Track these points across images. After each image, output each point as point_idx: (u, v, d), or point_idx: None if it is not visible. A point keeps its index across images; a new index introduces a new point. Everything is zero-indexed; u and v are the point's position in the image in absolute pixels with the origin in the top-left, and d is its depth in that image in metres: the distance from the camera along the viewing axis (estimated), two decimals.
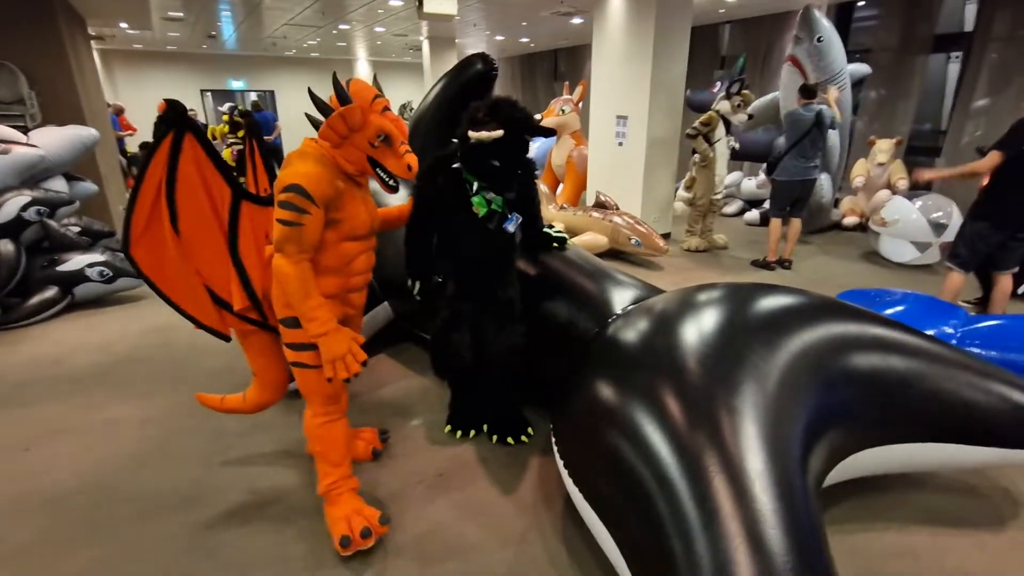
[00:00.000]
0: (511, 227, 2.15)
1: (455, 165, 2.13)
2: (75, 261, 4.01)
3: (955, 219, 4.93)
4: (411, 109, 10.69)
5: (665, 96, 5.68)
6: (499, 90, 13.82)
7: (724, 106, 5.31)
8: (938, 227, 4.92)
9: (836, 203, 6.87)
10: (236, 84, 13.68)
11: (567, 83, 7.26)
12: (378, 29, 9.33)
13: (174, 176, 1.77)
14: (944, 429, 1.83)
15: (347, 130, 1.68)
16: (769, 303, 1.98)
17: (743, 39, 9.25)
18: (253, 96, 14.02)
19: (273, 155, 9.80)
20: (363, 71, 14.35)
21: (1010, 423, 1.81)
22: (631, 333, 1.97)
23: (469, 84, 3.00)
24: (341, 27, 9.15)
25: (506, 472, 2.23)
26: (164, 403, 2.78)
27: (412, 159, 1.74)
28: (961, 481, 2.21)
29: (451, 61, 10.74)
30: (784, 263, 5.14)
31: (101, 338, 3.61)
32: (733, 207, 7.64)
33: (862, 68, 6.85)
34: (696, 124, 5.33)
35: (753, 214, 7.10)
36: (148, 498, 2.12)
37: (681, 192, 5.86)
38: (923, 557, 1.84)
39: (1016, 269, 3.36)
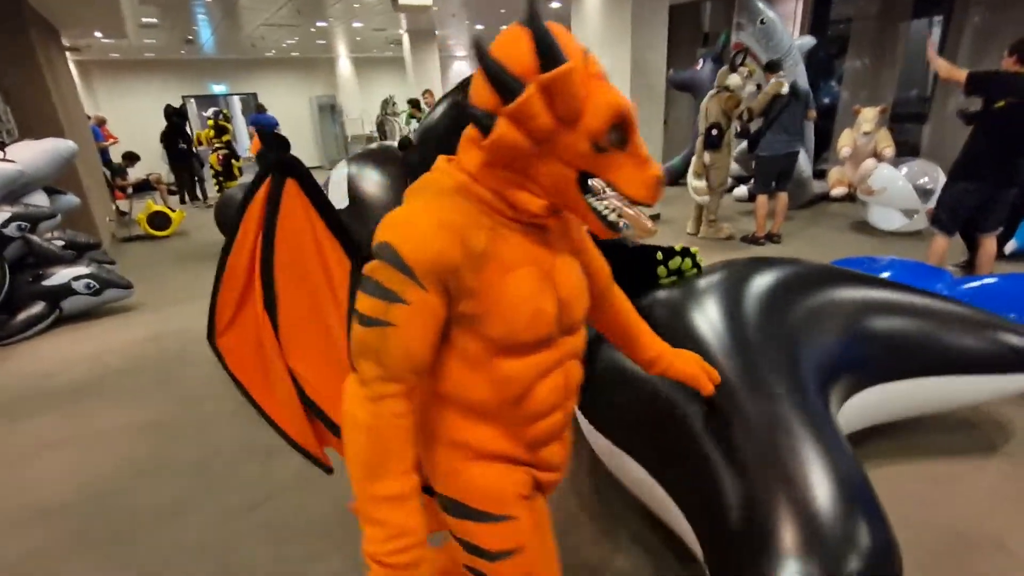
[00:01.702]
0: None
1: None
2: (61, 275, 3.99)
3: (941, 183, 4.93)
4: (393, 104, 10.58)
5: (646, 78, 5.64)
6: None
7: (735, 80, 4.94)
8: (925, 193, 4.91)
9: (821, 175, 6.87)
10: (218, 88, 13.55)
11: None
12: (357, 25, 9.24)
13: (272, 241, 1.20)
14: (946, 362, 1.96)
15: (553, 121, 0.78)
16: (775, 273, 2.07)
17: (725, 15, 9.18)
18: (234, 99, 13.92)
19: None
20: (345, 69, 14.22)
21: (1004, 352, 1.97)
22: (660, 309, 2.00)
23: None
24: (319, 24, 9.06)
25: None
26: (157, 413, 2.78)
27: (657, 170, 0.84)
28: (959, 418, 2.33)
29: (433, 53, 10.66)
30: (774, 237, 5.14)
31: (92, 350, 3.60)
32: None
33: (808, 40, 6.90)
34: (742, 111, 4.93)
35: (742, 190, 7.09)
36: (144, 509, 2.12)
37: (693, 181, 5.36)
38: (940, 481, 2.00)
39: (1000, 230, 3.36)
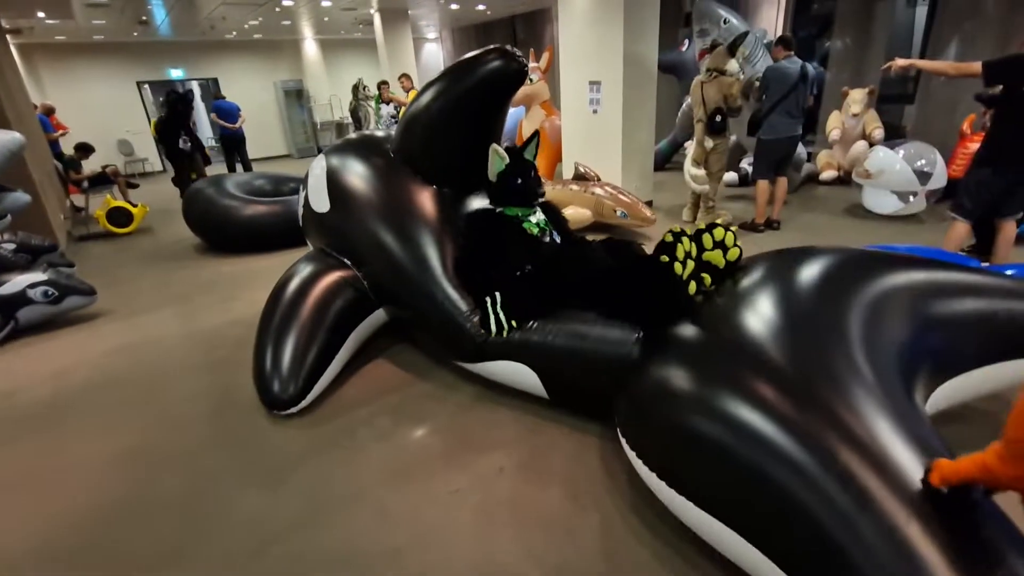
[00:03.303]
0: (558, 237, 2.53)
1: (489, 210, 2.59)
2: (14, 283, 3.59)
3: (939, 166, 4.89)
4: (364, 88, 10.10)
5: (639, 57, 5.43)
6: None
7: (733, 65, 4.80)
8: (923, 175, 4.86)
9: (809, 158, 6.82)
10: (175, 73, 12.76)
11: (532, 50, 6.92)
12: (325, 4, 8.73)
13: None
14: (1005, 348, 1.88)
15: None
16: (820, 265, 1.95)
17: None
18: (193, 84, 13.15)
19: (237, 146, 9.19)
20: (311, 51, 13.57)
21: None
22: (693, 329, 1.84)
23: (492, 85, 2.60)
24: (285, 3, 8.52)
25: (535, 480, 2.04)
26: (135, 438, 2.48)
27: None
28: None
29: (406, 34, 10.20)
30: (773, 224, 5.04)
31: (56, 366, 3.25)
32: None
33: (760, 30, 6.94)
34: (734, 104, 4.76)
35: (731, 175, 6.98)
36: (124, 564, 1.80)
37: (692, 169, 5.11)
38: None
39: (1020, 214, 3.30)
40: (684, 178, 5.21)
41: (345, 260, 2.96)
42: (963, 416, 2.17)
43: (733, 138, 7.05)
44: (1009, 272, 2.73)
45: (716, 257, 2.01)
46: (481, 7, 10.48)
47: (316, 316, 2.69)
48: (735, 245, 2.03)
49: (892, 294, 1.82)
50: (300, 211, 3.44)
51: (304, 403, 2.52)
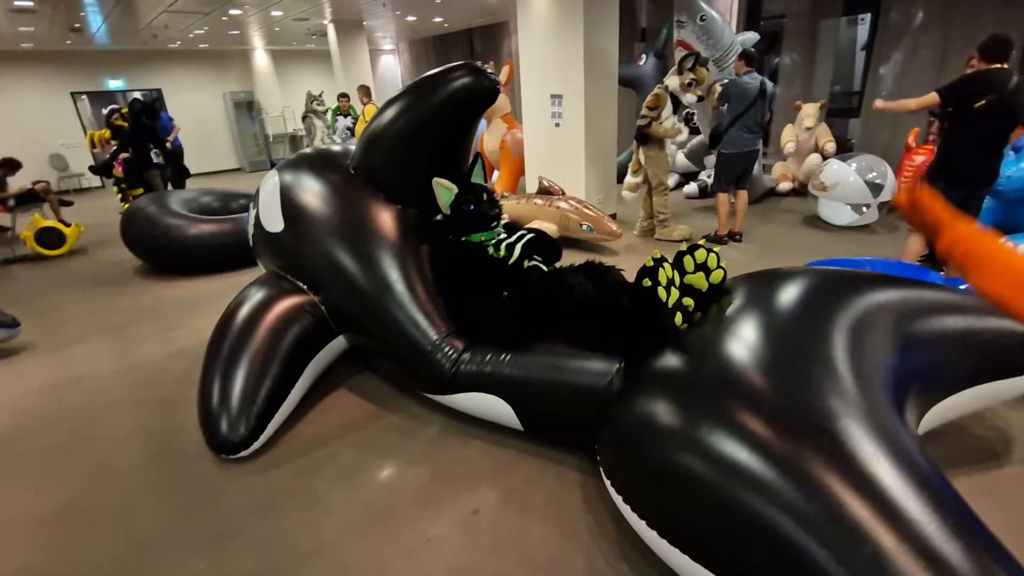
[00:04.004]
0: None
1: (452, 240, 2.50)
2: None
3: (889, 178, 5.06)
4: (315, 99, 9.74)
5: (600, 70, 5.42)
6: (414, 74, 13.04)
7: (673, 82, 4.84)
8: (875, 187, 5.02)
9: (765, 170, 6.99)
10: (115, 84, 12.07)
11: (491, 63, 6.85)
12: (275, 13, 8.43)
13: None
14: (991, 368, 1.86)
15: None
16: (800, 289, 1.89)
17: (662, 10, 9.18)
18: (138, 95, 12.48)
19: (174, 158, 8.67)
20: (262, 62, 13.13)
21: None
22: (676, 359, 1.74)
23: (462, 103, 2.46)
24: (232, 12, 8.17)
25: (513, 523, 1.89)
26: (62, 494, 2.19)
27: None
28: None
29: (361, 46, 9.98)
30: (735, 236, 5.08)
31: None
32: (670, 181, 7.58)
33: (751, 36, 6.92)
34: (644, 111, 4.88)
35: (692, 187, 7.07)
36: None
37: (629, 179, 5.32)
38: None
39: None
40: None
41: (301, 284, 2.75)
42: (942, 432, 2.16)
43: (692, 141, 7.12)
44: (962, 287, 2.79)
45: (698, 280, 1.93)
46: (438, 19, 10.39)
47: (269, 346, 2.47)
48: (719, 267, 1.96)
49: (876, 317, 1.77)
50: (250, 230, 3.20)
51: (256, 445, 2.29)
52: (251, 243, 3.28)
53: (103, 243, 6.39)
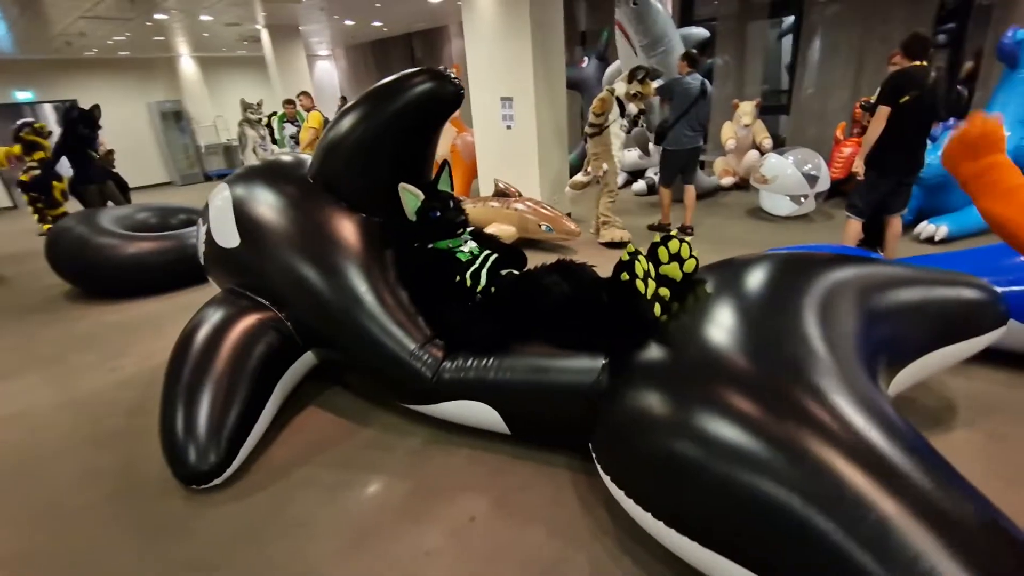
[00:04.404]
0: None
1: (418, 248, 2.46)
2: None
3: (823, 170, 5.38)
4: (254, 109, 9.30)
5: (549, 72, 5.49)
6: (353, 81, 12.73)
7: (620, 88, 4.81)
8: (811, 178, 5.33)
9: (703, 165, 7.27)
10: (22, 96, 11.14)
11: (456, 66, 6.81)
12: (204, 18, 8.03)
13: None
14: (943, 334, 2.01)
15: None
16: (767, 273, 1.99)
17: (600, 14, 9.41)
18: (46, 108, 11.58)
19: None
20: (189, 69, 12.48)
21: (976, 314, 2.07)
22: (660, 350, 1.79)
23: (425, 109, 2.40)
24: (157, 17, 7.72)
25: (512, 527, 1.87)
26: (10, 543, 1.98)
27: None
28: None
29: (298, 52, 9.68)
30: (687, 230, 5.27)
31: None
32: (618, 179, 7.77)
33: (700, 32, 7.13)
34: (591, 120, 4.82)
35: (640, 184, 7.27)
36: None
37: (577, 176, 5.30)
38: None
39: (904, 211, 3.66)
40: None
41: (262, 300, 2.62)
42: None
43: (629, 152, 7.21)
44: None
45: (673, 270, 1.98)
46: (378, 24, 10.21)
47: (235, 366, 2.34)
48: (691, 256, 2.02)
49: (841, 293, 1.88)
50: (201, 248, 3.03)
51: (228, 472, 2.16)
52: (202, 261, 3.10)
53: (24, 268, 5.87)
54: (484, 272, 2.33)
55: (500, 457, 2.23)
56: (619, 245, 5.03)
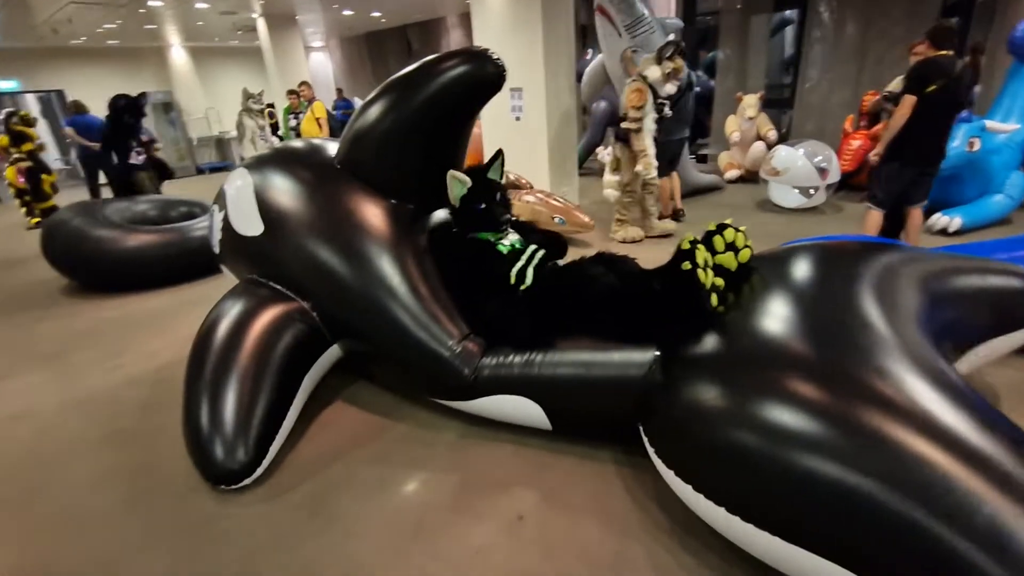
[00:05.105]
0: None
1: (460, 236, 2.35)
2: None
3: (834, 162, 5.37)
4: (256, 99, 9.11)
5: (559, 63, 5.42)
6: (348, 73, 12.58)
7: (654, 72, 4.49)
8: (821, 171, 5.31)
9: (703, 159, 7.25)
10: (6, 85, 10.81)
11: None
12: (200, 6, 7.82)
13: None
14: (1002, 322, 1.98)
15: None
16: (818, 262, 1.97)
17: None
18: (29, 98, 11.26)
19: (101, 165, 7.85)
20: (180, 60, 12.20)
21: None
22: (720, 340, 1.73)
23: (466, 92, 2.29)
24: (152, 4, 7.50)
25: (562, 522, 1.80)
26: (25, 555, 1.86)
27: None
28: None
29: (295, 41, 9.50)
30: (678, 214, 5.39)
31: None
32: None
33: (675, 22, 7.00)
34: (632, 115, 4.46)
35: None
36: None
37: (608, 177, 5.09)
38: None
39: (925, 202, 3.64)
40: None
41: (286, 290, 2.52)
42: None
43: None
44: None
45: (728, 260, 1.92)
46: (376, 14, 10.05)
47: (260, 359, 2.23)
48: (746, 245, 1.96)
49: (900, 279, 1.84)
50: (217, 236, 2.91)
51: (259, 470, 2.07)
52: (217, 250, 2.99)
53: (15, 263, 5.67)
54: (531, 269, 2.24)
55: (541, 451, 2.15)
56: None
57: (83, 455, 2.39)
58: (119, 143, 6.02)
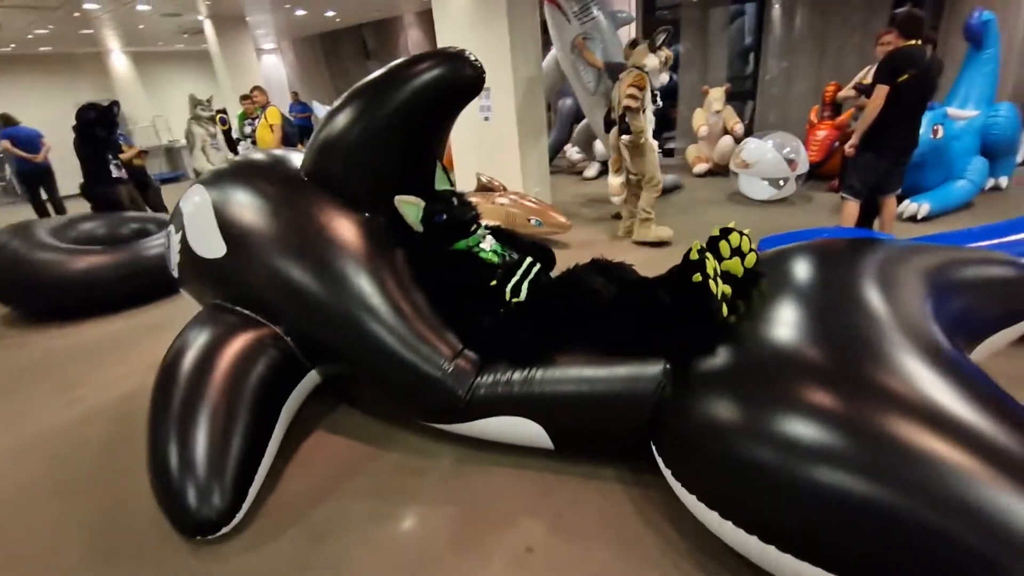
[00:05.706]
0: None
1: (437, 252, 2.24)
2: None
3: (802, 153, 5.43)
4: (205, 106, 8.69)
5: (526, 60, 5.30)
6: (302, 75, 12.16)
7: (652, 62, 4.33)
8: (790, 162, 5.36)
9: (670, 153, 7.28)
10: None
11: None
12: (142, 8, 7.37)
13: None
14: (1009, 313, 1.95)
15: None
16: (821, 261, 1.94)
17: None
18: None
19: (43, 179, 7.30)
20: (121, 66, 11.55)
21: None
22: (734, 351, 1.67)
23: (441, 96, 2.16)
24: (87, 7, 7.02)
25: (574, 552, 1.69)
26: None
27: None
28: None
29: (245, 44, 9.10)
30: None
31: None
32: (592, 170, 7.65)
33: (627, 15, 6.89)
34: (629, 94, 4.19)
35: (592, 170, 7.26)
36: None
37: (612, 179, 4.79)
38: None
39: (899, 190, 3.69)
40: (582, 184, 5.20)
41: (253, 315, 2.33)
42: None
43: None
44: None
45: (735, 266, 1.84)
46: (330, 14, 9.71)
47: (232, 392, 2.04)
48: (751, 250, 1.89)
49: (903, 274, 1.81)
50: (175, 258, 2.68)
51: (238, 517, 1.88)
52: (175, 273, 2.76)
53: None
54: (525, 284, 2.12)
55: (543, 474, 2.04)
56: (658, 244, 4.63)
57: (35, 506, 2.15)
58: (96, 159, 5.45)
